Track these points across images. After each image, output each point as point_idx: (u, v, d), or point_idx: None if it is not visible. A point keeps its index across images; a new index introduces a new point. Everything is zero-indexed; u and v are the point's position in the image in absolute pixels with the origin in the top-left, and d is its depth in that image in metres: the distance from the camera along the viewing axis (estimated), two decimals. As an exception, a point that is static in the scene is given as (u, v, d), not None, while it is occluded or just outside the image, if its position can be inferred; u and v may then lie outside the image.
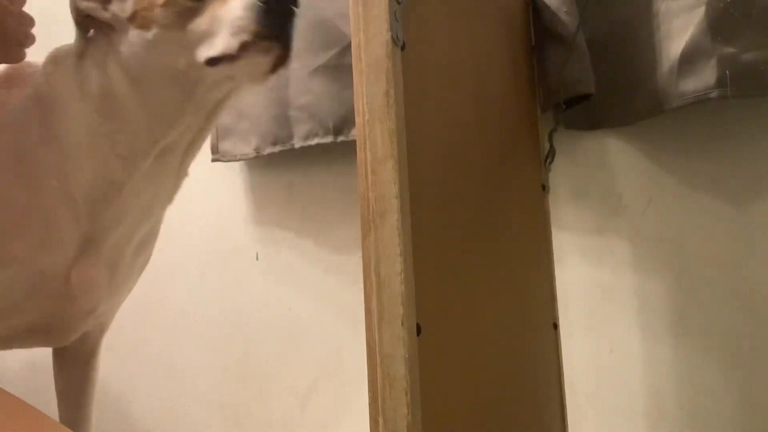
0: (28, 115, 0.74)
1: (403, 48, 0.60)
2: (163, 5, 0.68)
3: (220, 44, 0.66)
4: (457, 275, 0.71)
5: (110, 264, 0.79)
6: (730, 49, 0.89)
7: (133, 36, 0.70)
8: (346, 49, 1.17)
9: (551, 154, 1.04)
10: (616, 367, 1.06)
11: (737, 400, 0.97)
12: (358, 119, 0.60)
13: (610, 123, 1.07)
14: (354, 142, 0.60)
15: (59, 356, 0.96)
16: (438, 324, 0.62)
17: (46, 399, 0.90)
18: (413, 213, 0.58)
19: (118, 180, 0.74)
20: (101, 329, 0.93)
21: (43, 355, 0.98)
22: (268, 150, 1.29)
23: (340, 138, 1.20)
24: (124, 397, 1.54)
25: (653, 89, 0.98)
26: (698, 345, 1.00)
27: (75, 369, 0.95)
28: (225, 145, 1.35)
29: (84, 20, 0.73)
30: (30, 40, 0.78)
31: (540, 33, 1.04)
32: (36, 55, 0.80)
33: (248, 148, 1.32)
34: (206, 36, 0.67)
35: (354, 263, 1.07)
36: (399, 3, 0.60)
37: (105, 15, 0.72)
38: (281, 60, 0.68)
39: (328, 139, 1.22)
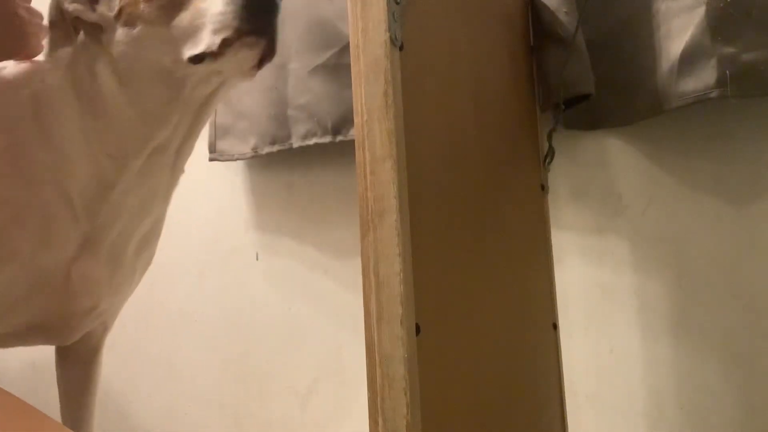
0: (25, 115, 0.74)
1: (401, 48, 0.60)
2: (147, 0, 0.68)
3: (202, 42, 0.66)
4: (456, 275, 0.71)
5: (111, 262, 0.79)
6: (730, 49, 0.89)
7: (120, 35, 0.71)
8: (345, 48, 1.17)
9: (550, 154, 1.04)
10: (616, 367, 1.06)
11: (737, 400, 0.97)
12: (356, 119, 0.59)
13: (609, 123, 1.07)
14: (353, 142, 0.60)
15: (62, 356, 0.96)
16: (437, 324, 0.62)
17: (46, 399, 0.90)
18: (412, 213, 0.58)
19: (110, 179, 0.74)
20: (104, 328, 0.93)
21: (44, 355, 0.98)
22: (267, 150, 1.29)
23: (339, 138, 1.20)
24: (125, 396, 1.54)
25: (653, 89, 0.98)
26: (698, 345, 1.00)
27: (78, 368, 0.95)
28: (223, 145, 1.35)
29: (74, 22, 0.74)
30: (44, 31, 0.78)
31: (539, 33, 1.04)
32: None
33: (246, 148, 1.32)
34: (190, 32, 0.66)
35: (353, 263, 1.08)
36: (397, 3, 0.60)
37: (93, 17, 0.72)
38: (267, 54, 0.67)
39: (327, 138, 1.22)
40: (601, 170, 1.09)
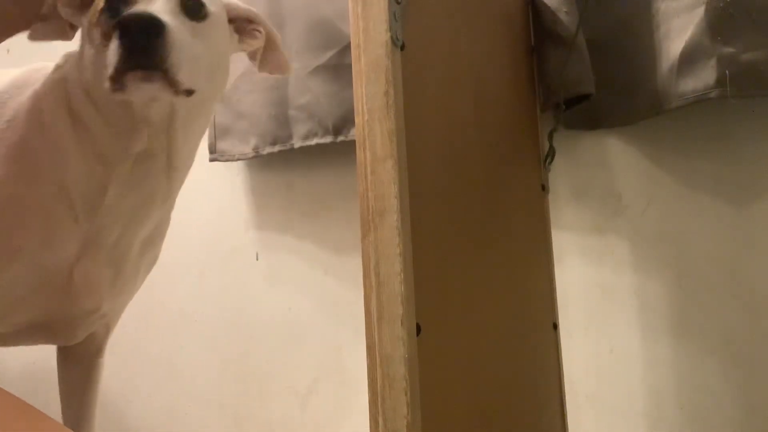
0: (30, 116, 0.75)
1: (402, 48, 0.60)
2: (94, 22, 0.68)
3: (107, 74, 0.63)
4: (456, 275, 0.71)
5: (113, 263, 0.80)
6: (730, 49, 0.89)
7: (87, 50, 0.71)
8: (346, 48, 1.17)
9: (551, 154, 1.04)
10: (616, 367, 1.06)
11: (737, 400, 0.97)
12: (357, 119, 0.60)
13: (610, 123, 1.07)
14: (353, 142, 0.60)
15: (64, 356, 0.96)
16: (437, 324, 0.62)
17: (46, 399, 0.90)
18: (413, 213, 0.58)
19: (101, 182, 0.74)
20: (107, 329, 0.93)
21: (44, 356, 0.98)
22: (267, 150, 1.29)
23: (340, 138, 1.20)
24: (125, 397, 1.54)
25: (653, 89, 0.98)
26: (698, 345, 1.00)
27: (79, 369, 0.95)
28: (223, 145, 1.35)
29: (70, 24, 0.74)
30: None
31: (540, 33, 1.04)
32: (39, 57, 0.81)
33: (247, 148, 1.32)
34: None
35: (354, 263, 1.07)
36: (398, 3, 0.60)
37: (82, 21, 0.73)
38: (171, 85, 0.63)
39: (328, 139, 1.22)
40: (601, 170, 1.09)
